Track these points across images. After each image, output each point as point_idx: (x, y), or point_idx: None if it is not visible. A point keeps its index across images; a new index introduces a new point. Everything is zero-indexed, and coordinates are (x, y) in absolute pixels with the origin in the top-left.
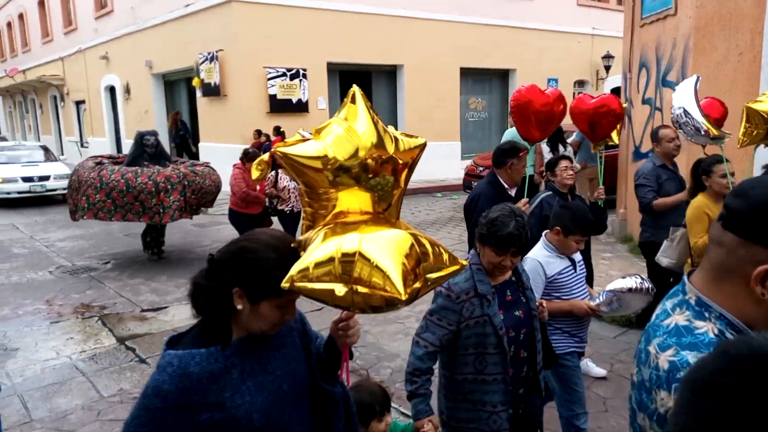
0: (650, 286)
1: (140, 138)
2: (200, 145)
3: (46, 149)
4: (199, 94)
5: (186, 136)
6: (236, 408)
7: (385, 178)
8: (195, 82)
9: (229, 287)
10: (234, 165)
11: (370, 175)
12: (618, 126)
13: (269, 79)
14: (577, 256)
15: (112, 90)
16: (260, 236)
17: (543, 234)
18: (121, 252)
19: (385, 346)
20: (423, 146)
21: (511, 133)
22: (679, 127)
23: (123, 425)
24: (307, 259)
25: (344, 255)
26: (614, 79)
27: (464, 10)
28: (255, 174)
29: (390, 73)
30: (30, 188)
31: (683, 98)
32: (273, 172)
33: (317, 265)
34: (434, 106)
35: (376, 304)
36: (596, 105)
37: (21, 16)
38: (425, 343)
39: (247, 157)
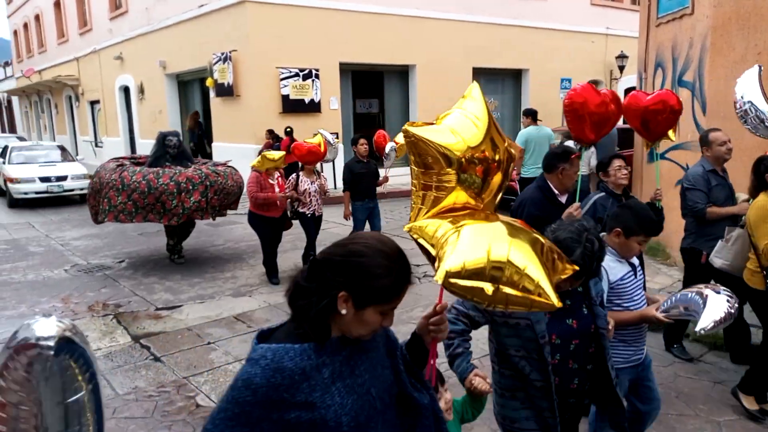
0: (734, 306)
1: (162, 138)
2: (213, 145)
3: (63, 149)
4: (212, 94)
5: (203, 137)
6: (326, 409)
7: (472, 176)
8: (208, 82)
9: (334, 291)
10: (252, 167)
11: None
12: (675, 123)
13: (282, 79)
14: (635, 260)
15: (126, 90)
16: (369, 240)
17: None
18: (136, 251)
19: None
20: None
21: (525, 134)
22: (744, 122)
23: (208, 418)
24: (458, 259)
25: (494, 261)
26: (628, 79)
27: (476, 10)
28: (255, 163)
29: (402, 73)
30: (47, 188)
31: (748, 91)
32: (294, 175)
33: (469, 266)
34: (446, 106)
35: (524, 304)
36: (652, 102)
37: (37, 17)
38: (455, 311)
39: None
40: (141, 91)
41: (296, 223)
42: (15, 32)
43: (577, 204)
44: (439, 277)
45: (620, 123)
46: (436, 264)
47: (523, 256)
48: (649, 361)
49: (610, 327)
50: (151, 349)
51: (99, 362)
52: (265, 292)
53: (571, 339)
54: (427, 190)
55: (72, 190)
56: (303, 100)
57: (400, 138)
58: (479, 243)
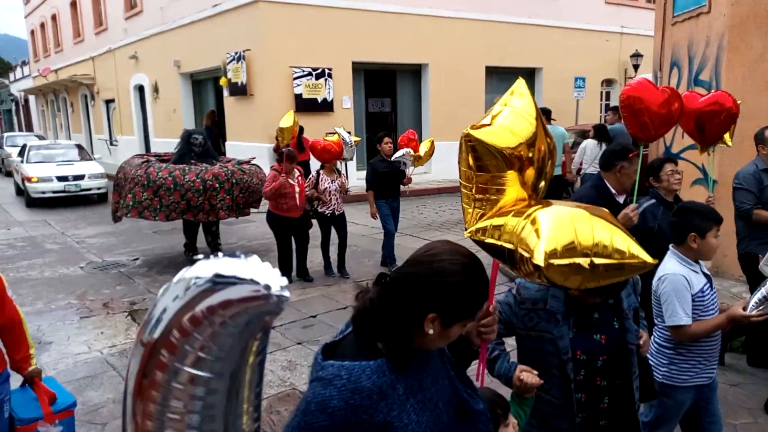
0: None
1: (188, 136)
2: (227, 144)
3: (81, 148)
4: (225, 93)
5: (218, 136)
6: (404, 428)
7: (530, 173)
8: (222, 81)
9: (422, 313)
10: (271, 167)
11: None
12: (732, 127)
13: (295, 78)
14: (707, 271)
15: (140, 89)
16: (453, 257)
17: (671, 249)
18: (150, 248)
19: None
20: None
21: None
22: None
23: None
24: (550, 239)
25: (581, 235)
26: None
27: (490, 9)
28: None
29: (415, 72)
30: (65, 188)
31: None
32: (314, 173)
33: (562, 243)
34: (459, 105)
35: (619, 271)
36: (706, 103)
37: (54, 17)
38: None
39: (284, 157)
40: (155, 90)
41: (315, 222)
42: (32, 32)
43: (633, 205)
44: (540, 260)
45: None
46: (520, 253)
47: (604, 225)
48: (716, 383)
49: (642, 342)
50: None
51: (114, 359)
52: (278, 290)
53: (599, 355)
54: (485, 193)
55: (89, 189)
56: (316, 99)
57: (422, 147)
58: (561, 222)
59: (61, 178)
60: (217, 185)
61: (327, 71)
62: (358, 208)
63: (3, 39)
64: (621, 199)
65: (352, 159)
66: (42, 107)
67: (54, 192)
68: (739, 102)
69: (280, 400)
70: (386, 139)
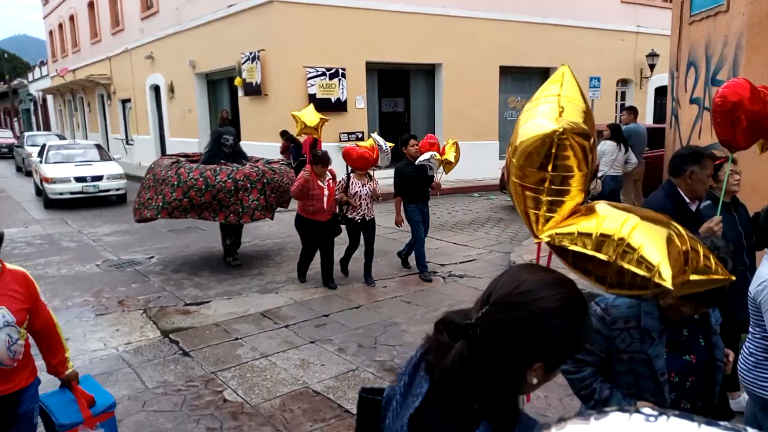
0: None
1: (218, 137)
2: (241, 143)
3: (100, 148)
4: (240, 93)
5: None
6: None
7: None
8: (237, 81)
9: (527, 364)
10: (304, 167)
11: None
12: None
13: (309, 78)
14: None
15: (156, 89)
16: (551, 291)
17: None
18: (165, 247)
19: None
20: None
21: None
22: None
23: None
24: (668, 264)
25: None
26: (658, 78)
27: (504, 8)
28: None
29: (428, 72)
30: (82, 188)
31: None
32: (344, 176)
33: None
34: (472, 105)
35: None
36: None
37: (72, 18)
38: (577, 368)
39: (316, 160)
40: (171, 90)
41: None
42: (50, 33)
43: (718, 217)
44: (668, 282)
45: (650, 122)
46: (632, 271)
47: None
48: None
49: (731, 359)
50: (180, 343)
51: (129, 356)
52: (291, 289)
53: (689, 376)
54: (557, 195)
55: (108, 190)
56: (329, 99)
57: (448, 151)
58: (663, 237)
59: (79, 179)
60: (249, 185)
61: (341, 71)
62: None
63: (22, 39)
64: (694, 207)
65: (388, 165)
66: (59, 107)
67: (72, 193)
68: None
69: (293, 398)
70: (412, 141)
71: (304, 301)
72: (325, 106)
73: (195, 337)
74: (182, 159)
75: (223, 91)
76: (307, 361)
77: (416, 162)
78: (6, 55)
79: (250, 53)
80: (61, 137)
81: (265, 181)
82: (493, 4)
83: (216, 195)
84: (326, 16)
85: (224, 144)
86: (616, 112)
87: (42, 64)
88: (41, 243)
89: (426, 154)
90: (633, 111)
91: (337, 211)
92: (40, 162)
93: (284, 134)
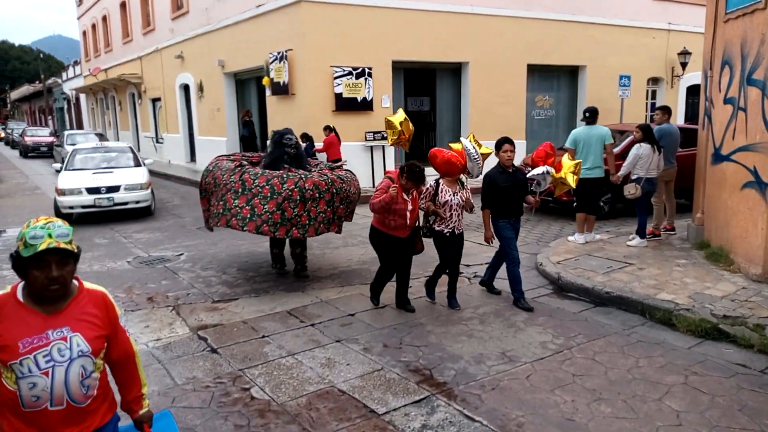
0: None
1: (280, 138)
2: (268, 143)
3: (132, 151)
4: (268, 92)
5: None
6: None
7: None
8: (265, 81)
9: None
10: (386, 172)
11: None
12: None
13: (335, 77)
14: None
15: (186, 88)
16: None
17: None
18: (194, 244)
19: (448, 347)
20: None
21: (577, 132)
22: None
23: None
24: None
25: None
26: (690, 77)
27: (532, 5)
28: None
29: (454, 70)
30: (95, 201)
31: None
32: (432, 182)
33: None
34: (499, 103)
35: None
36: None
37: (104, 18)
38: None
39: (410, 176)
40: (200, 89)
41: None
42: (84, 33)
43: None
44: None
45: (682, 122)
46: None
47: None
48: None
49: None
50: (208, 340)
51: (159, 352)
52: (317, 288)
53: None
54: None
55: (125, 203)
56: (355, 99)
57: (566, 168)
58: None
59: (91, 190)
60: (317, 195)
61: (367, 70)
62: None
63: (57, 39)
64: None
65: (479, 175)
66: (92, 105)
67: (83, 207)
68: None
69: (319, 397)
70: (505, 147)
71: (329, 300)
72: (351, 105)
73: (223, 334)
74: (245, 162)
75: (251, 90)
76: (332, 360)
77: (528, 175)
78: (41, 55)
79: (278, 53)
80: (101, 136)
81: (334, 191)
82: (521, 1)
83: (280, 204)
84: (353, 16)
85: (287, 144)
86: (646, 111)
87: (75, 63)
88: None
89: (540, 169)
90: (666, 110)
91: (421, 223)
92: (61, 169)
93: (327, 128)
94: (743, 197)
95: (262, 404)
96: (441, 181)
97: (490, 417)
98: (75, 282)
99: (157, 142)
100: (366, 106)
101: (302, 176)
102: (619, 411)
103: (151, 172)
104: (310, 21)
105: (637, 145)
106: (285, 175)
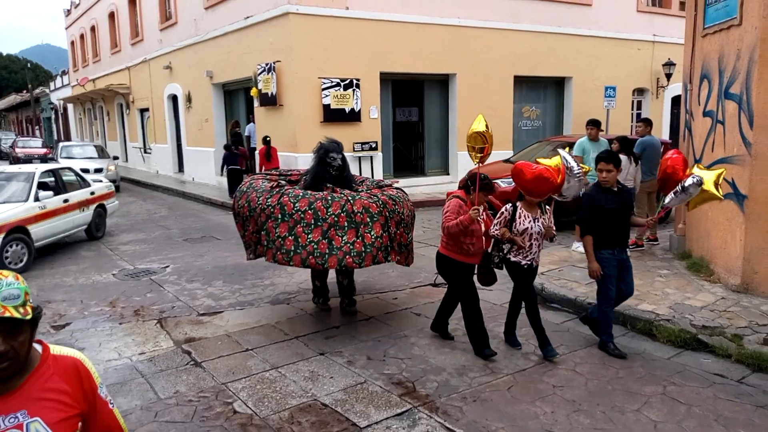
0: None
1: (324, 154)
2: (256, 153)
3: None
4: (256, 103)
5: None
6: None
7: None
8: (253, 92)
9: None
10: (449, 193)
11: None
12: None
13: (323, 89)
14: None
15: (174, 99)
16: None
17: None
18: (180, 256)
19: (432, 359)
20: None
21: (581, 144)
22: None
23: None
24: None
25: None
26: (675, 88)
27: (519, 18)
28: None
29: (442, 82)
30: None
31: None
32: (508, 206)
33: None
34: (486, 114)
35: None
36: None
37: (93, 28)
38: None
39: (483, 186)
40: (188, 99)
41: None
42: (72, 42)
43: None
44: None
45: (667, 131)
46: None
47: None
48: None
49: None
50: (192, 354)
51: (143, 366)
52: (303, 300)
53: None
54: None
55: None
56: (343, 110)
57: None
58: None
59: None
60: (368, 220)
61: (355, 81)
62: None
63: (45, 49)
64: None
65: (578, 195)
66: (80, 115)
67: None
68: None
69: (302, 410)
70: (600, 165)
71: (313, 313)
72: (339, 116)
73: (207, 347)
74: (283, 182)
75: (240, 101)
76: (316, 373)
77: (684, 185)
78: (29, 65)
79: (266, 64)
80: (101, 149)
81: (387, 214)
82: (508, 14)
83: (326, 232)
84: (340, 28)
85: (331, 165)
86: (632, 122)
87: (63, 73)
88: (60, 251)
89: (694, 179)
90: (648, 123)
91: (490, 250)
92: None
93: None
94: (722, 208)
95: (245, 418)
96: (519, 204)
97: (470, 429)
98: (38, 348)
99: (145, 152)
100: (354, 117)
101: (349, 198)
102: (598, 422)
103: (139, 183)
104: (298, 33)
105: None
106: (330, 197)
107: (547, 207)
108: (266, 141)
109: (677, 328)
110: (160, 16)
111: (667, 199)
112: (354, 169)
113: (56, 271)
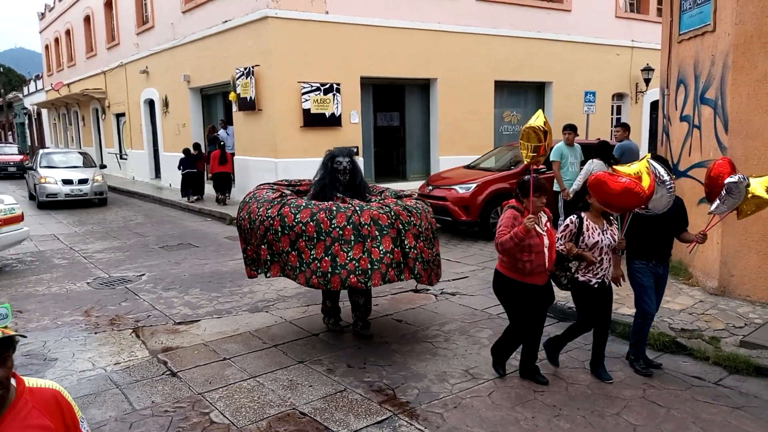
0: None
1: (329, 160)
2: (236, 158)
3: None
4: (235, 108)
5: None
6: None
7: None
8: (231, 96)
9: None
10: (504, 203)
11: None
12: None
13: (303, 93)
14: None
15: (151, 103)
16: None
17: None
18: (156, 264)
19: (412, 366)
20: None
21: (559, 149)
22: None
23: None
24: None
25: None
26: (653, 92)
27: (499, 23)
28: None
29: (423, 86)
30: None
31: None
32: (574, 217)
33: None
34: (468, 119)
35: None
36: None
37: (68, 32)
38: None
39: (537, 188)
40: (165, 104)
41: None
42: (46, 47)
43: None
44: None
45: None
46: None
47: None
48: None
49: None
50: (168, 364)
51: (117, 377)
52: (282, 307)
53: None
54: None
55: None
56: (324, 114)
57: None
58: None
59: None
60: (377, 233)
61: (335, 86)
62: None
63: (18, 53)
64: None
65: (667, 207)
66: (54, 120)
67: None
68: None
69: (280, 420)
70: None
71: (292, 320)
72: (319, 121)
73: (184, 357)
74: (287, 191)
75: (218, 105)
76: (295, 382)
77: (728, 187)
78: (2, 69)
79: (245, 68)
80: (85, 156)
81: (399, 226)
82: (488, 19)
83: (329, 248)
84: (320, 32)
85: (338, 169)
86: (611, 127)
87: (37, 77)
88: (32, 260)
89: (734, 178)
90: (626, 127)
91: (554, 269)
92: None
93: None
94: (700, 212)
95: (222, 428)
96: (584, 215)
97: None
98: (12, 382)
99: (121, 158)
100: (334, 121)
101: (356, 209)
102: (578, 426)
103: (115, 189)
104: (277, 37)
105: (589, 161)
106: (335, 208)
107: (612, 216)
108: (221, 146)
109: (656, 331)
110: (136, 19)
111: (713, 206)
112: None
113: (28, 281)
